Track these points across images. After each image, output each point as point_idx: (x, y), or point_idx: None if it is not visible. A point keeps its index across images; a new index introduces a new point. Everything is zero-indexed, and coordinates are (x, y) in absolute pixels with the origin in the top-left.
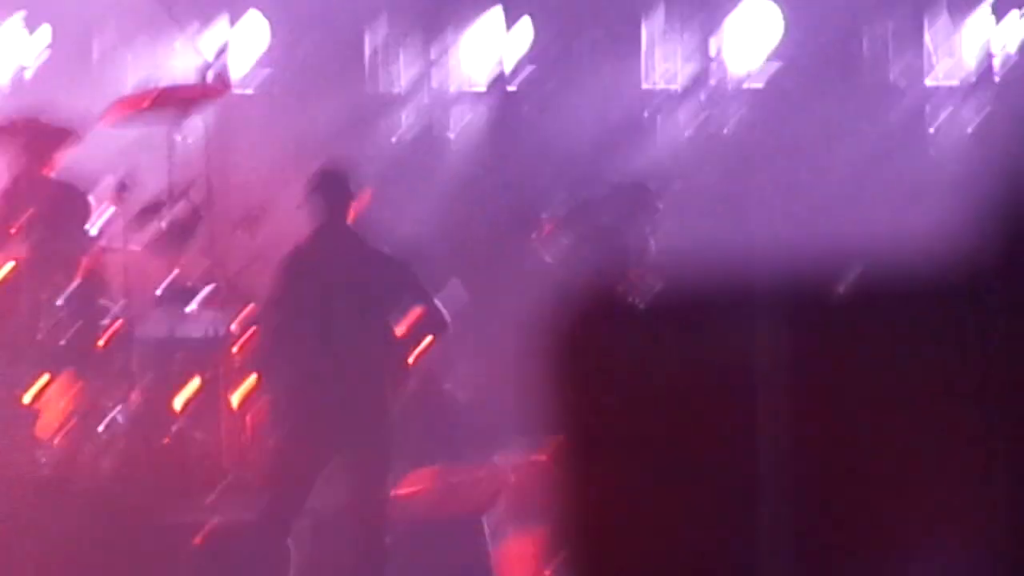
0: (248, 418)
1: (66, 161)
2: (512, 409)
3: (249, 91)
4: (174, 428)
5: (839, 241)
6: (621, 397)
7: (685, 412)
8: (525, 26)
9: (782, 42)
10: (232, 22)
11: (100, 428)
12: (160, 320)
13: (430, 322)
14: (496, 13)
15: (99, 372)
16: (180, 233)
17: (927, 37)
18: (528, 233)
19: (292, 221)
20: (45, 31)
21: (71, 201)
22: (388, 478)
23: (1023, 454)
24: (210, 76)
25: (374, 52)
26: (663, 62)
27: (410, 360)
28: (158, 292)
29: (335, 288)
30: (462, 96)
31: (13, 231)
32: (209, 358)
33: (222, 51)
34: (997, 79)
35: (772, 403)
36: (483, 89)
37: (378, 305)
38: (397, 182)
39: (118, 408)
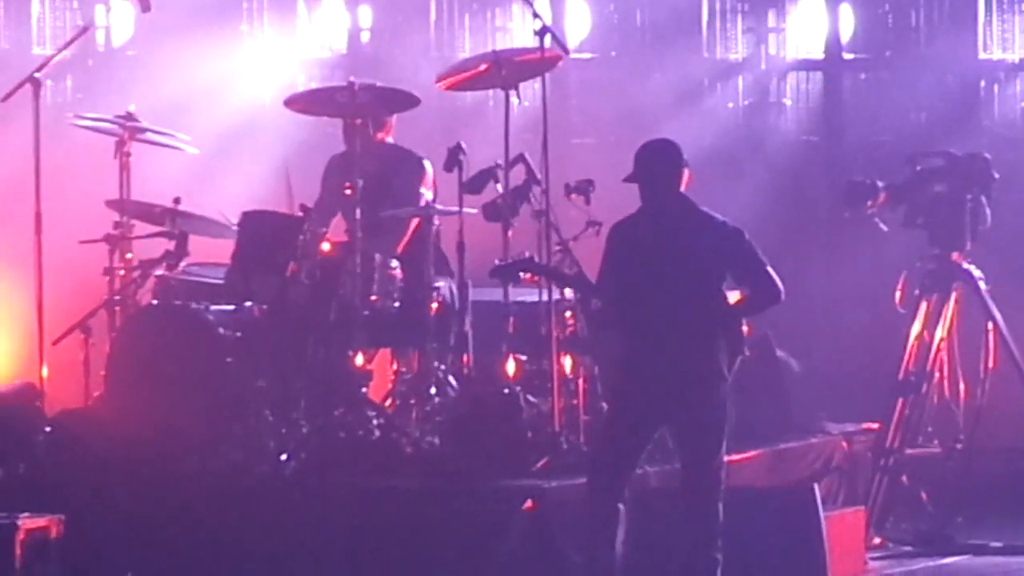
0: (580, 383)
1: (402, 125)
2: (846, 378)
3: (587, 55)
4: (506, 392)
5: None
6: None
7: None
8: None
9: None
10: None
11: (432, 391)
12: (493, 284)
13: (763, 290)
14: None
15: (431, 335)
16: (515, 197)
17: None
18: (864, 201)
19: (626, 187)
20: None
21: (406, 165)
22: (723, 445)
23: None
24: (547, 41)
25: (711, 17)
26: (999, 32)
27: (743, 328)
28: (496, 262)
29: (667, 255)
30: (798, 63)
31: (348, 193)
32: (541, 323)
33: (558, 16)
34: None
35: None
36: (819, 56)
37: (710, 273)
38: (734, 148)
39: (450, 371)
